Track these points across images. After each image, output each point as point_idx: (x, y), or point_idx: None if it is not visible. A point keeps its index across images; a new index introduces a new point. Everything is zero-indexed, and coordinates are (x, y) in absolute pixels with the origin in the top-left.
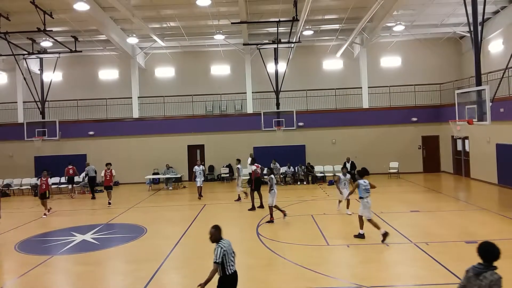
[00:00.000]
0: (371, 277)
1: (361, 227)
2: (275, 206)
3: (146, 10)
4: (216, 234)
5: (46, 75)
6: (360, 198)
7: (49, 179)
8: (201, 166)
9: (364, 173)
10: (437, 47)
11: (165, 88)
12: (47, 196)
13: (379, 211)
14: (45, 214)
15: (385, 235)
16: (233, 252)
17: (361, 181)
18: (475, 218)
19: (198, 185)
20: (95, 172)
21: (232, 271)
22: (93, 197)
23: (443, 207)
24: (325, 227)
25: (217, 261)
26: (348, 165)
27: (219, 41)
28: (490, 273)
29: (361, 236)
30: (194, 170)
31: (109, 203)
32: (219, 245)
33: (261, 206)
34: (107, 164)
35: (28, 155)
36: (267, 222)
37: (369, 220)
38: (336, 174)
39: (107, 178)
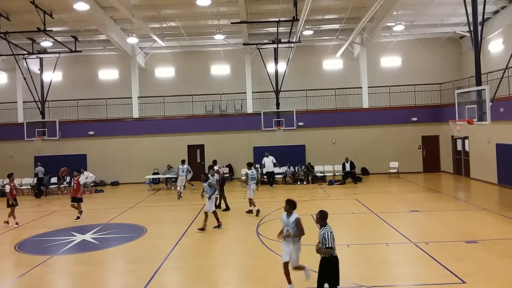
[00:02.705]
0: (371, 277)
1: (250, 205)
2: (214, 212)
3: (146, 10)
4: (322, 219)
5: (46, 75)
6: (247, 184)
7: (16, 183)
8: (215, 175)
9: (252, 165)
10: (437, 47)
11: (165, 88)
12: (17, 203)
13: (379, 211)
14: (6, 223)
15: (252, 212)
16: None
17: (249, 171)
18: (475, 218)
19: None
20: (44, 173)
21: (336, 253)
22: (40, 196)
23: (443, 207)
24: None
25: (331, 246)
26: (347, 165)
27: (219, 41)
28: None
29: (250, 211)
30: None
31: (78, 217)
32: (328, 230)
33: (227, 209)
34: (75, 172)
35: (28, 155)
36: (214, 227)
37: (250, 199)
38: (337, 174)
39: (74, 188)
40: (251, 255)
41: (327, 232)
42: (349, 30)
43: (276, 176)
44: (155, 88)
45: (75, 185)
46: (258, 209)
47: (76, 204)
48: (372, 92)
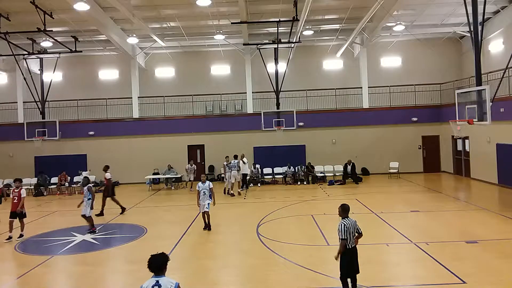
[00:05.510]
0: (371, 277)
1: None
2: (88, 217)
3: (146, 10)
4: (342, 212)
5: (46, 75)
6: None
7: None
8: (207, 182)
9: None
10: (437, 47)
11: (165, 88)
12: None
13: (379, 211)
14: None
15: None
16: (359, 231)
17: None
18: (475, 218)
19: (203, 210)
20: None
21: (352, 246)
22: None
23: (443, 207)
24: (325, 227)
25: (343, 238)
26: (349, 167)
27: (219, 41)
28: None
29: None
30: (197, 188)
31: (21, 235)
32: (343, 222)
33: (101, 214)
34: (15, 181)
35: (28, 155)
36: (89, 232)
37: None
38: (337, 174)
39: (14, 201)
40: (251, 255)
41: (341, 225)
42: (349, 30)
43: (276, 176)
44: (155, 88)
45: (15, 197)
46: (233, 193)
47: (17, 220)
48: (372, 92)
